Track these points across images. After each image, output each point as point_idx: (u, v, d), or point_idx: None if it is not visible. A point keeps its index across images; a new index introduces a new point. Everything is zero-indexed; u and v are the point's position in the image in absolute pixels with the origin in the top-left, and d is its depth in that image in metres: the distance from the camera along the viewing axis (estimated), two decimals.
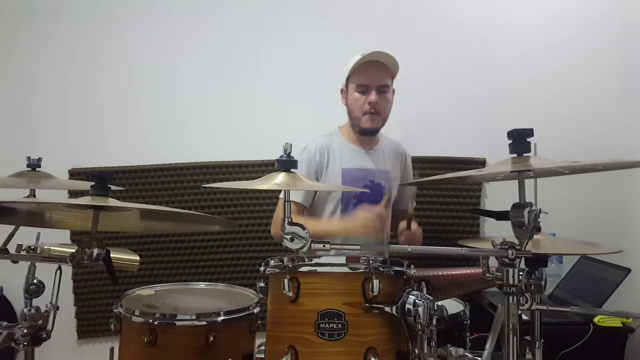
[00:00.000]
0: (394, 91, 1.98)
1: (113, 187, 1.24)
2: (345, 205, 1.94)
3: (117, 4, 2.70)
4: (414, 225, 1.94)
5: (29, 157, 1.58)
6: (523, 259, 1.11)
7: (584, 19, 2.58)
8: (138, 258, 1.59)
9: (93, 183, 1.18)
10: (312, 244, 1.10)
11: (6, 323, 1.31)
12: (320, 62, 2.60)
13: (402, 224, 1.95)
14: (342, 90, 2.01)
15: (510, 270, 1.09)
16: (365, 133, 1.97)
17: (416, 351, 1.12)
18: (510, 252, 1.08)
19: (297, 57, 2.65)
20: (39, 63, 2.71)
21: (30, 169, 1.57)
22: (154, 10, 2.69)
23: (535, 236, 1.16)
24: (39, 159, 1.59)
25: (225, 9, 2.68)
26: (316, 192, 1.95)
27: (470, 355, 1.30)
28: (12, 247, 1.37)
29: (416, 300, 1.10)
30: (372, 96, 1.88)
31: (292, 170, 1.23)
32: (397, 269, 1.18)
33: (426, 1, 2.65)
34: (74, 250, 1.15)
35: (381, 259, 1.15)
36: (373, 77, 1.89)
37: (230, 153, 2.64)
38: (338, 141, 2.00)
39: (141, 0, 2.70)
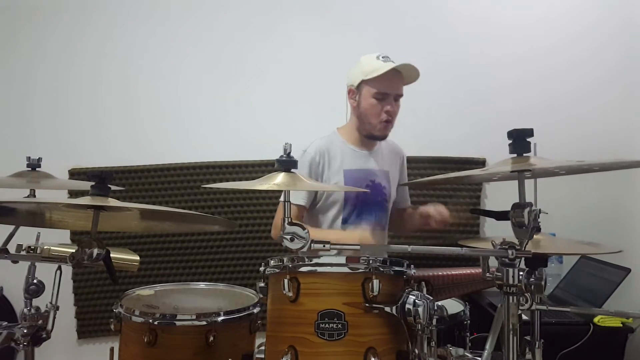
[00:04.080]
0: None
1: (113, 187, 1.24)
2: (349, 207, 1.93)
3: (117, 4, 2.70)
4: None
5: (29, 157, 1.57)
6: (523, 259, 1.11)
7: (584, 19, 2.58)
8: (138, 258, 1.59)
9: (93, 183, 1.18)
10: (312, 244, 1.10)
11: (6, 323, 1.31)
12: (320, 63, 2.60)
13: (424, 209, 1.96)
14: (350, 91, 1.96)
15: (510, 270, 1.09)
16: (374, 139, 1.97)
17: (416, 351, 1.12)
18: (510, 252, 1.08)
19: (297, 57, 2.65)
20: (39, 63, 2.71)
21: (30, 169, 1.57)
22: (153, 10, 2.70)
23: (535, 236, 1.16)
24: (39, 159, 1.58)
25: (225, 9, 2.68)
26: (317, 193, 1.95)
27: (470, 355, 1.30)
28: (12, 247, 1.37)
29: (416, 300, 1.11)
30: (390, 106, 1.88)
31: (292, 170, 1.23)
32: (397, 269, 1.18)
33: (426, 2, 2.65)
34: (74, 250, 1.15)
35: (381, 259, 1.15)
36: (394, 85, 1.88)
37: (230, 153, 2.64)
38: (338, 143, 2.00)
39: (141, 1, 2.70)
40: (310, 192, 1.91)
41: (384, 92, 1.87)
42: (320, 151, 1.94)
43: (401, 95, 1.92)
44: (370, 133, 1.94)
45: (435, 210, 1.91)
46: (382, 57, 1.88)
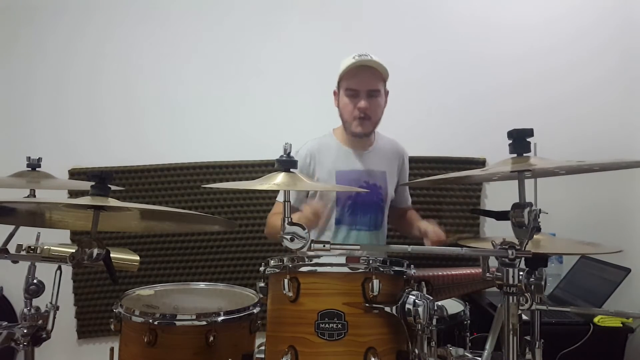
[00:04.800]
0: (387, 93, 1.97)
1: (113, 187, 1.24)
2: (342, 208, 1.93)
3: (117, 4, 2.70)
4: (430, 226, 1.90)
5: (29, 157, 1.58)
6: (523, 259, 1.11)
7: (584, 19, 2.58)
8: (138, 258, 1.59)
9: (93, 183, 1.18)
10: (312, 244, 1.10)
11: (6, 323, 1.31)
12: (320, 63, 2.59)
13: (422, 225, 1.94)
14: (334, 93, 2.00)
15: (510, 270, 1.09)
16: (355, 137, 1.97)
17: (416, 351, 1.12)
18: (510, 252, 1.08)
19: (297, 57, 2.65)
20: (39, 63, 2.71)
21: (30, 169, 1.57)
22: (154, 10, 2.69)
23: (535, 236, 1.16)
24: (39, 159, 1.58)
25: (225, 9, 2.68)
26: (307, 194, 1.95)
27: (470, 355, 1.30)
28: (12, 247, 1.37)
29: (416, 300, 1.10)
30: (362, 102, 1.87)
31: (291, 170, 1.23)
32: (397, 269, 1.18)
33: (426, 2, 2.65)
34: (74, 250, 1.15)
35: (381, 259, 1.15)
36: (363, 82, 1.87)
37: (230, 153, 2.64)
38: (332, 143, 2.00)
39: (141, 1, 2.70)
40: (300, 191, 1.91)
41: (353, 89, 1.88)
42: (311, 153, 1.95)
43: (376, 91, 1.89)
44: (350, 131, 1.95)
45: (433, 232, 1.87)
46: (359, 55, 1.87)
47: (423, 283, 1.18)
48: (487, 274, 1.13)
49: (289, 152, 1.22)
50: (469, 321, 1.60)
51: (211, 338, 1.43)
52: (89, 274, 2.63)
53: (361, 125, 1.91)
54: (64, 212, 1.35)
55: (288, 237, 1.09)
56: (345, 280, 1.15)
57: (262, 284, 1.29)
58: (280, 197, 1.90)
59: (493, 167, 1.20)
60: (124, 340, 1.52)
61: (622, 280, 2.06)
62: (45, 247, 1.42)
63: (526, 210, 1.07)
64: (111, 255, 1.19)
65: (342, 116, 1.96)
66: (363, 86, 1.87)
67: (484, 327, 1.36)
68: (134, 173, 2.65)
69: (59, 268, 1.36)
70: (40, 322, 1.32)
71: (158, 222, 1.63)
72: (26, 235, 1.44)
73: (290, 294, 1.13)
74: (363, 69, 1.86)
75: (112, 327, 1.53)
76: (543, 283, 1.08)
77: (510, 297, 1.10)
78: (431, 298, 1.12)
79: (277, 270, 1.21)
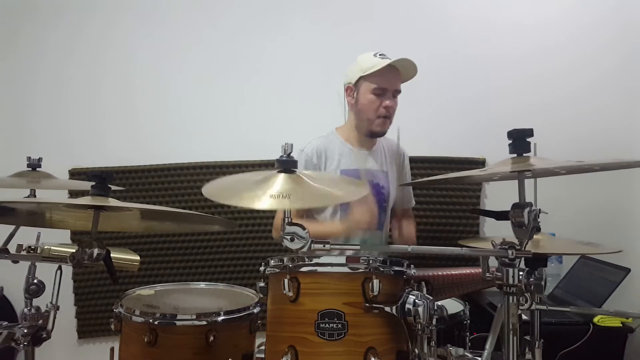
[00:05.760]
0: None
1: (113, 187, 1.24)
2: (345, 207, 1.93)
3: (117, 4, 2.70)
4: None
5: (29, 157, 1.58)
6: (523, 259, 1.11)
7: (584, 19, 2.58)
8: (138, 258, 1.59)
9: (93, 183, 1.18)
10: (312, 244, 1.10)
11: (6, 323, 1.31)
12: (321, 62, 2.60)
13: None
14: (348, 88, 1.97)
15: (510, 270, 1.09)
16: (374, 135, 1.97)
17: (416, 351, 1.12)
18: (510, 252, 1.08)
19: (298, 56, 2.65)
20: (39, 63, 2.71)
21: (30, 169, 1.57)
22: (153, 10, 2.69)
23: (535, 236, 1.16)
24: (39, 159, 1.59)
25: (225, 8, 2.68)
26: None
27: (470, 355, 1.30)
28: (12, 247, 1.37)
29: (416, 300, 1.10)
30: (389, 101, 1.89)
31: (292, 170, 1.23)
32: (397, 269, 1.18)
33: (427, 2, 2.65)
34: (74, 250, 1.16)
35: (381, 258, 1.15)
36: (392, 81, 1.90)
37: (230, 153, 2.64)
38: (336, 142, 2.00)
39: (141, 1, 2.70)
40: None
41: (383, 88, 1.88)
42: (317, 151, 1.95)
43: (399, 92, 1.93)
44: (369, 130, 1.94)
45: None
46: (380, 55, 1.89)
47: (423, 283, 1.19)
48: (487, 274, 1.13)
49: (289, 153, 1.22)
50: (469, 321, 1.60)
51: (211, 338, 1.43)
52: (89, 274, 2.63)
53: (383, 124, 1.92)
54: (64, 212, 1.35)
55: (288, 237, 1.09)
56: (346, 280, 1.15)
57: (262, 284, 1.28)
58: None
59: (493, 167, 1.21)
60: (124, 340, 1.52)
61: (622, 280, 2.06)
62: (45, 247, 1.42)
63: (526, 210, 1.07)
64: (111, 255, 1.19)
65: (363, 113, 1.93)
66: (392, 85, 1.89)
67: (484, 327, 1.36)
68: (134, 173, 2.65)
69: (59, 268, 1.36)
70: (40, 322, 1.32)
71: (158, 222, 1.63)
72: (26, 235, 1.44)
73: (290, 293, 1.13)
74: (392, 68, 1.88)
75: (112, 327, 1.53)
76: (543, 283, 1.08)
77: (510, 297, 1.10)
78: (431, 298, 1.12)
79: (277, 270, 1.21)
